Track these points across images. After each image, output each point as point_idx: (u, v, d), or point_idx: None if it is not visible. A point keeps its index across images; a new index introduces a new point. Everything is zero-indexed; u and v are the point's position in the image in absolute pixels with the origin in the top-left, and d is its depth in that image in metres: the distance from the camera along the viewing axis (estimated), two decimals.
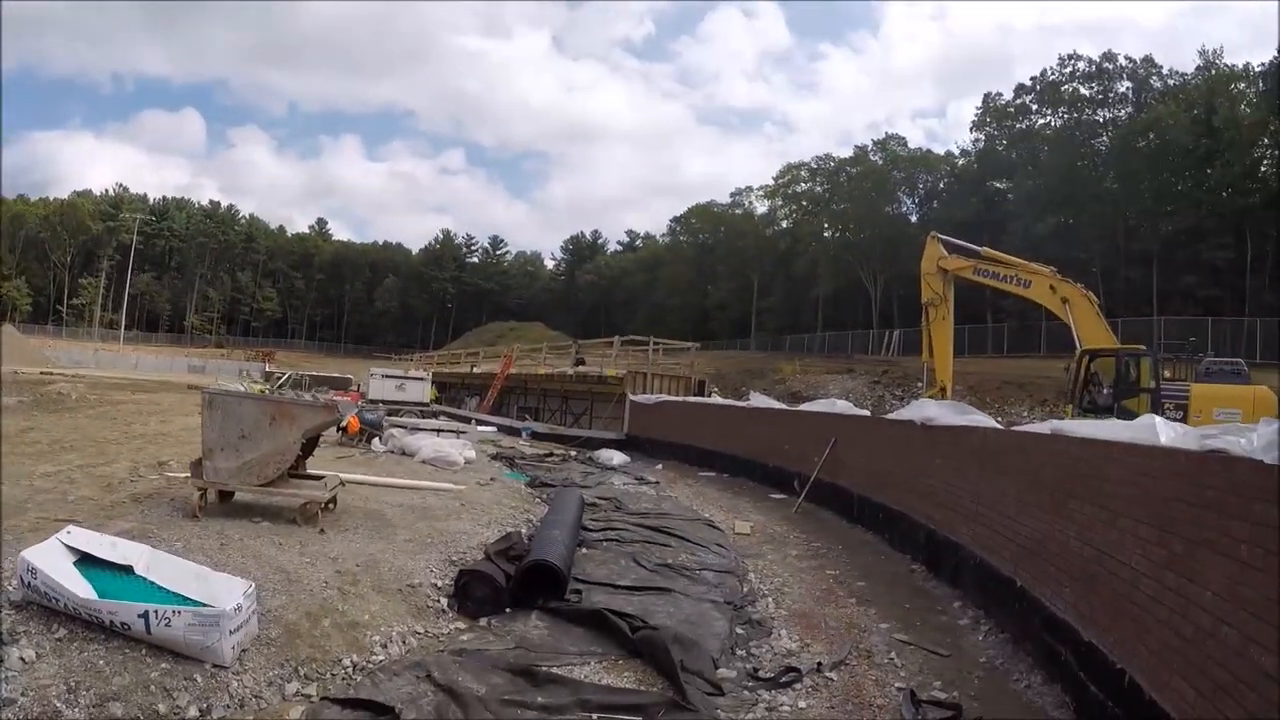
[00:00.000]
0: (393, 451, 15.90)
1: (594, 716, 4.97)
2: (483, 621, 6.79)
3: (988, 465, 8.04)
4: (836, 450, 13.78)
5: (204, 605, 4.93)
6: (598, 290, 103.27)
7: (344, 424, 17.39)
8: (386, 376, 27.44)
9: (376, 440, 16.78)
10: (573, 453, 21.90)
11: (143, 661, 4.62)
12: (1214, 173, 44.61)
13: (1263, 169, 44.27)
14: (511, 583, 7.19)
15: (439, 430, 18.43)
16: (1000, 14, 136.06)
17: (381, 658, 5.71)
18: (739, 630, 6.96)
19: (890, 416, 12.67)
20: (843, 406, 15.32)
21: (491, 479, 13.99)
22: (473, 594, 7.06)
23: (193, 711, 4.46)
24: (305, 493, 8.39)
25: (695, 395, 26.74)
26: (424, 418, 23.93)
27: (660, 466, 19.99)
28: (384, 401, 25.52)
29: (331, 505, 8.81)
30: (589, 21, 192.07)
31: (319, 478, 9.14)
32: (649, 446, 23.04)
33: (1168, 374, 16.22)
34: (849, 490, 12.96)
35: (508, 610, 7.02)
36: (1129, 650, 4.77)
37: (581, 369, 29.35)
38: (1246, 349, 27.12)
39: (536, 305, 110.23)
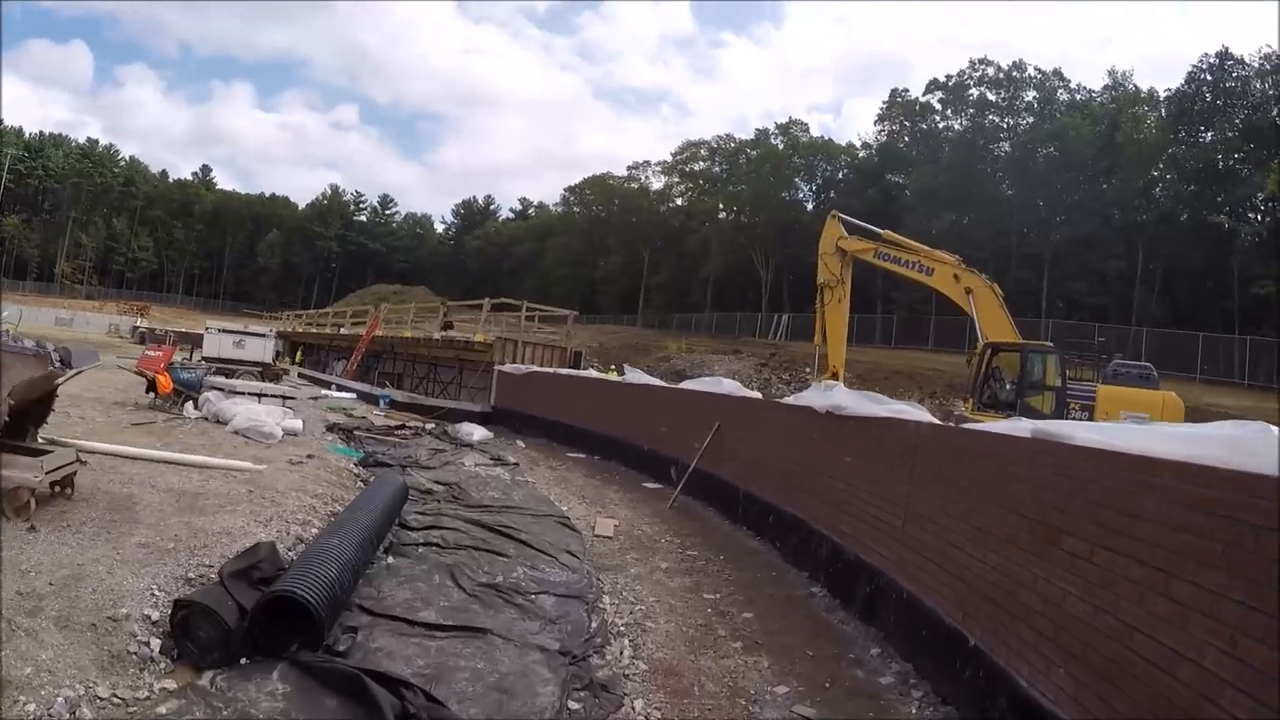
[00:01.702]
0: (205, 418, 13.35)
1: None
2: (204, 678, 4.54)
3: (923, 472, 6.10)
4: (721, 436, 11.83)
5: None
6: (486, 257, 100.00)
7: (155, 383, 14.91)
8: (224, 331, 23.76)
9: (191, 404, 14.27)
10: (429, 425, 19.60)
11: None
12: (1109, 187, 46.08)
13: (1158, 190, 45.93)
14: (247, 621, 4.83)
15: (261, 395, 15.57)
16: (903, 24, 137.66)
17: None
18: (573, 703, 4.74)
19: (787, 401, 10.76)
20: (730, 386, 13.28)
21: (309, 456, 11.41)
22: (196, 635, 4.76)
23: None
24: (15, 474, 6.14)
25: (570, 367, 24.55)
26: (265, 380, 20.81)
27: (524, 445, 17.90)
28: (220, 360, 22.16)
29: (68, 490, 6.87)
30: None
31: (44, 452, 6.70)
32: (516, 421, 21.00)
33: (1068, 374, 15.77)
34: (733, 484, 11.00)
35: (244, 661, 4.75)
36: None
37: (449, 334, 26.65)
38: (1132, 356, 26.85)
39: (424, 269, 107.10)
